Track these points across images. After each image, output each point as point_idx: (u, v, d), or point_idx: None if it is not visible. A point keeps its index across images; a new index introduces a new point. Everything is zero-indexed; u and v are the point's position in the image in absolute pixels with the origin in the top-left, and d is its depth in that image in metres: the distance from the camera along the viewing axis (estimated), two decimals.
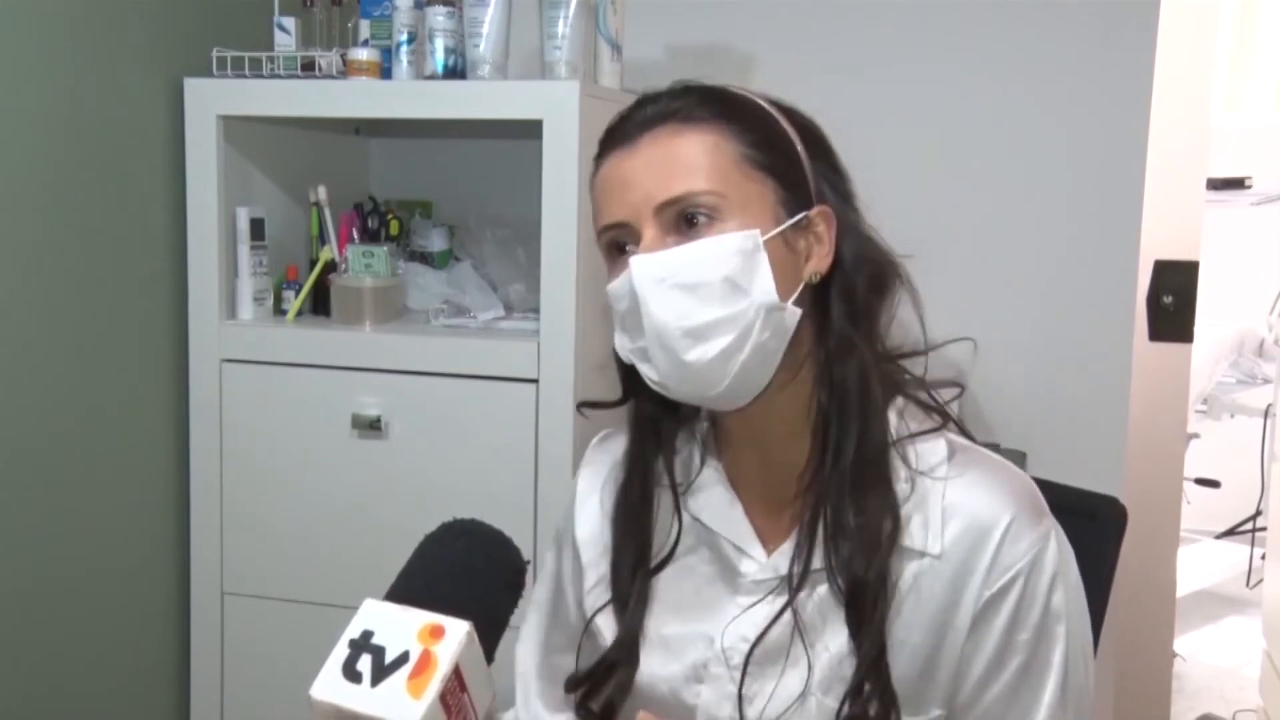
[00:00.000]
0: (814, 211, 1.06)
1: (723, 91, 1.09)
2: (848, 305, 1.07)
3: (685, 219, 1.02)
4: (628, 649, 1.14)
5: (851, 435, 1.06)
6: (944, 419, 1.11)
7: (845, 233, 1.08)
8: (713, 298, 1.01)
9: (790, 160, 1.07)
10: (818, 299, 1.08)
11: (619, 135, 1.07)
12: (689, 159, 1.03)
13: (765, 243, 1.02)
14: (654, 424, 1.15)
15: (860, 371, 1.06)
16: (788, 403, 1.08)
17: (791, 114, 1.10)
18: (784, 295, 1.03)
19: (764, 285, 1.02)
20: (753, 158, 1.04)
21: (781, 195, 1.05)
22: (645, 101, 1.08)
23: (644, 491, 1.16)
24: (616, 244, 1.06)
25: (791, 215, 1.05)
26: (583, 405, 1.21)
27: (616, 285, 1.05)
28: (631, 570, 1.15)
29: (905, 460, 1.07)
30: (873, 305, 1.08)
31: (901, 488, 1.06)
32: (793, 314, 1.04)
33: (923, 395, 1.10)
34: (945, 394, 1.13)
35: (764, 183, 1.04)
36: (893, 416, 1.08)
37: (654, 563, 1.15)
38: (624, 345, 1.08)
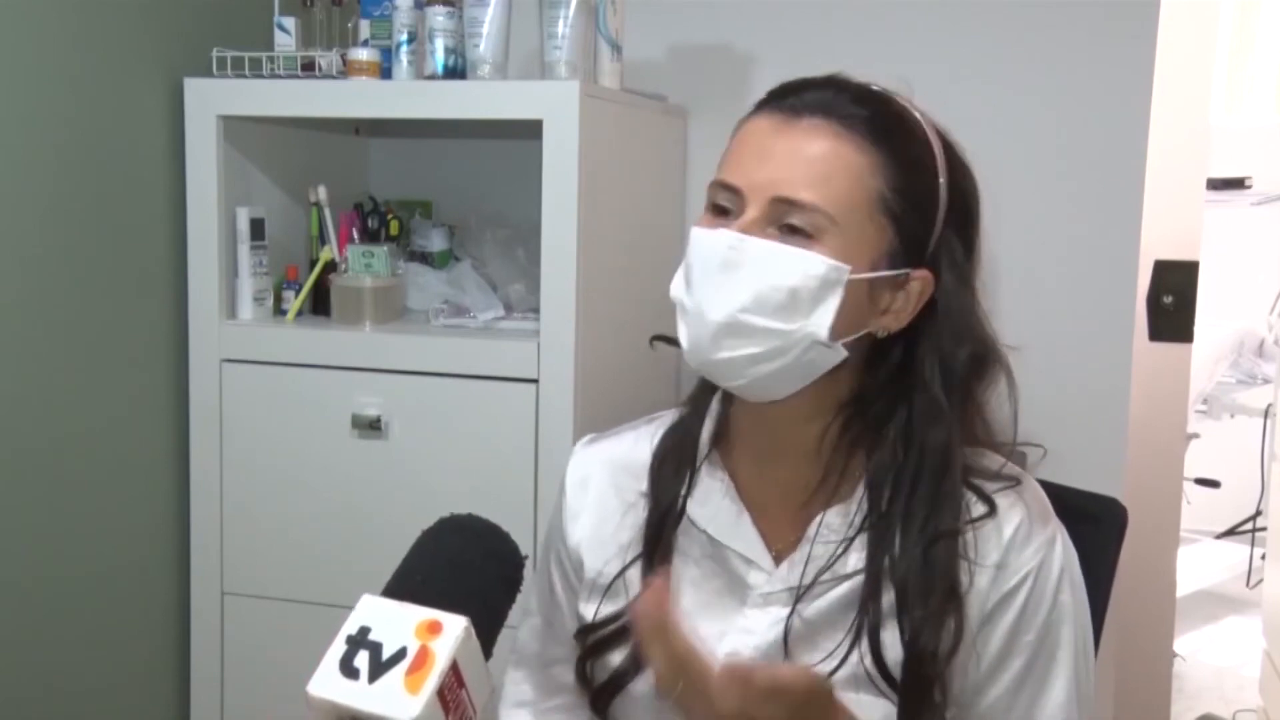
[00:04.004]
0: (916, 273, 1.05)
1: (903, 117, 1.06)
2: (945, 376, 1.06)
3: (789, 225, 1.01)
4: None
5: (919, 509, 1.05)
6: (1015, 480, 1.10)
7: (949, 304, 1.06)
8: (768, 305, 1.01)
9: (923, 216, 1.05)
10: (881, 353, 1.07)
11: (783, 102, 1.05)
12: (828, 170, 1.01)
13: (849, 283, 1.01)
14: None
15: (945, 445, 1.05)
16: (802, 430, 1.09)
17: (955, 168, 1.08)
18: (839, 335, 1.02)
19: (822, 319, 1.01)
20: (889, 202, 1.02)
21: (894, 245, 1.03)
22: (828, 84, 1.05)
23: (690, 442, 1.16)
24: (719, 203, 1.05)
25: (893, 267, 1.03)
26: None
27: (698, 235, 1.04)
28: (663, 519, 1.14)
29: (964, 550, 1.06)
30: (971, 385, 1.07)
31: (963, 580, 1.05)
32: (838, 354, 1.03)
33: (988, 483, 1.08)
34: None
35: (884, 229, 1.03)
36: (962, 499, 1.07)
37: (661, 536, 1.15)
38: (678, 289, 1.06)
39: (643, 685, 1.12)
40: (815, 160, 1.01)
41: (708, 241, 1.02)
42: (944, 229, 1.06)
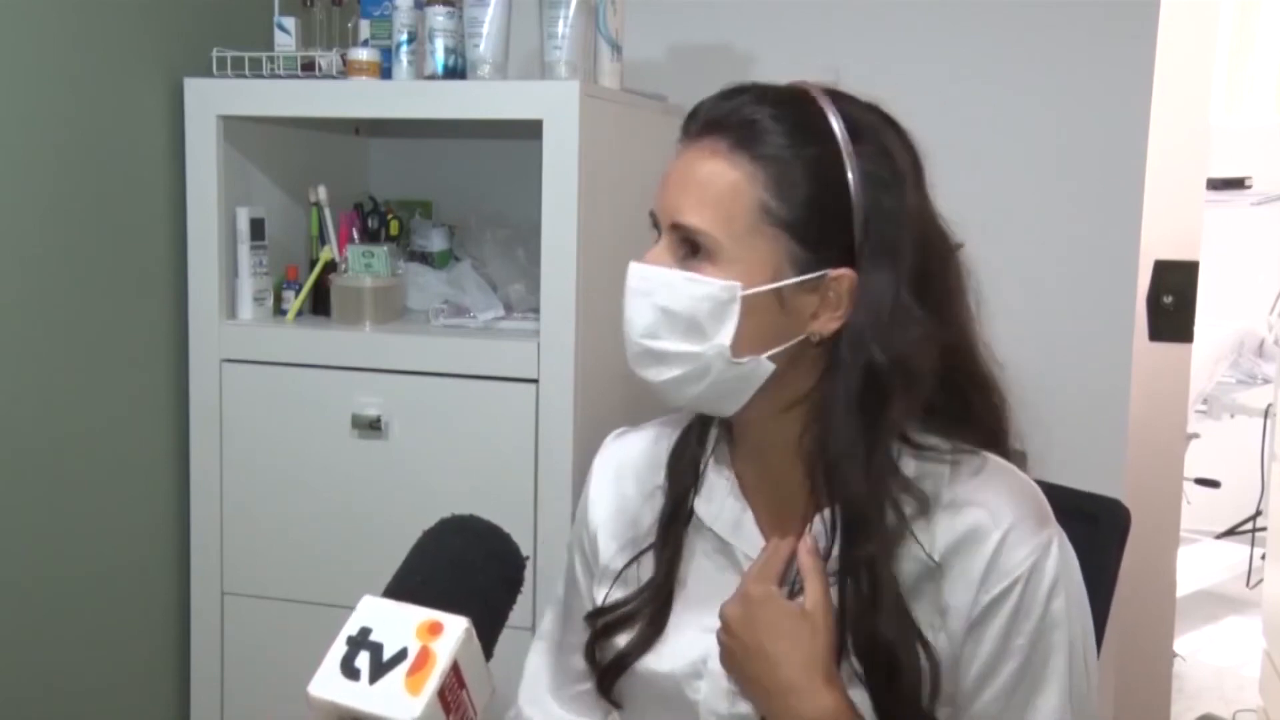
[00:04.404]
0: (835, 273, 1.03)
1: (801, 122, 1.04)
2: (846, 381, 1.04)
3: (690, 244, 1.04)
4: (660, 595, 1.15)
5: (852, 522, 1.06)
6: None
7: (864, 302, 1.04)
8: (677, 329, 1.04)
9: (825, 218, 1.03)
10: (835, 351, 1.06)
11: (691, 122, 1.07)
12: (708, 190, 1.03)
13: (746, 297, 1.02)
14: None
15: (851, 443, 1.04)
16: (775, 430, 1.10)
17: (870, 164, 1.04)
18: (757, 348, 1.04)
19: (722, 339, 1.03)
20: (772, 210, 1.02)
21: (793, 251, 1.03)
22: (727, 97, 1.06)
23: (700, 440, 1.18)
24: (655, 225, 1.09)
25: (803, 272, 1.03)
26: None
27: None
28: (674, 513, 1.17)
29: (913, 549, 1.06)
30: (878, 395, 1.04)
31: (909, 568, 1.06)
32: (764, 367, 1.05)
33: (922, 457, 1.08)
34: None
35: (775, 238, 1.03)
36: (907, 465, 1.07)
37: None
38: None
39: (644, 667, 1.14)
40: (699, 182, 1.04)
41: (628, 273, 1.08)
42: (867, 225, 1.03)
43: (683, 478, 1.18)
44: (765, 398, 1.07)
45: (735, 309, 1.02)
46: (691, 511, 1.16)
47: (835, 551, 1.07)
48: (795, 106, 1.05)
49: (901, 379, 1.04)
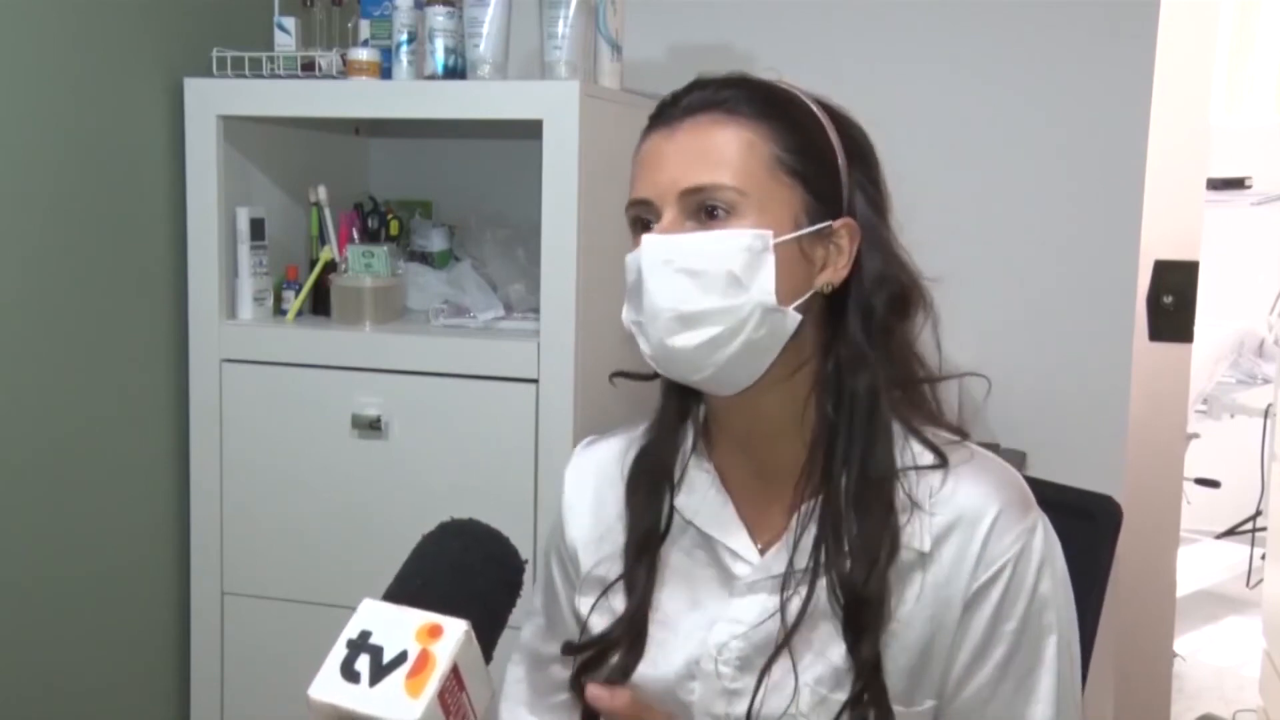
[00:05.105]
0: (838, 223, 1.07)
1: (774, 89, 1.10)
2: (865, 321, 1.08)
3: (705, 209, 1.04)
4: (635, 626, 1.14)
5: (856, 451, 1.07)
6: (962, 436, 1.12)
7: (869, 248, 1.08)
8: (712, 288, 1.03)
9: (825, 168, 1.08)
10: (830, 309, 1.09)
11: (664, 115, 1.09)
12: (721, 152, 1.05)
13: (776, 245, 1.03)
14: (680, 398, 1.16)
15: (870, 388, 1.07)
16: (777, 403, 1.10)
17: (840, 121, 1.11)
18: (787, 299, 1.04)
19: (764, 285, 1.03)
20: (786, 161, 1.05)
21: (807, 202, 1.06)
22: (697, 86, 1.09)
23: (664, 463, 1.17)
24: (641, 219, 1.09)
25: (814, 223, 1.06)
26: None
27: (631, 257, 1.07)
28: (641, 543, 1.15)
29: (906, 484, 1.07)
30: (891, 325, 1.09)
31: (901, 500, 1.07)
32: (792, 318, 1.05)
33: (928, 428, 1.10)
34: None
35: (792, 187, 1.06)
36: (899, 437, 1.09)
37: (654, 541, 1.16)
38: (628, 317, 1.09)
39: (635, 675, 1.13)
40: (708, 147, 1.05)
41: (637, 257, 1.06)
42: (850, 175, 1.09)
43: (645, 508, 1.16)
44: (779, 361, 1.07)
45: (770, 258, 1.03)
46: (664, 536, 1.15)
47: (812, 543, 1.07)
48: (757, 82, 1.10)
49: (906, 312, 1.10)
